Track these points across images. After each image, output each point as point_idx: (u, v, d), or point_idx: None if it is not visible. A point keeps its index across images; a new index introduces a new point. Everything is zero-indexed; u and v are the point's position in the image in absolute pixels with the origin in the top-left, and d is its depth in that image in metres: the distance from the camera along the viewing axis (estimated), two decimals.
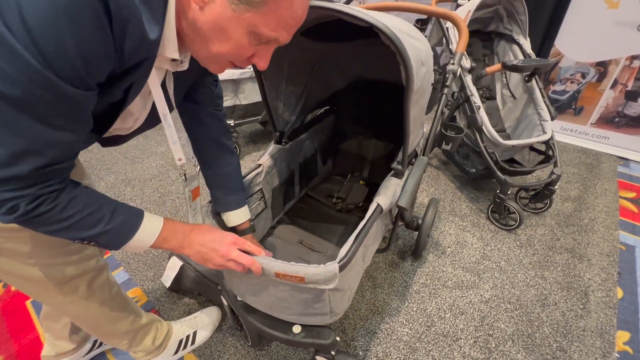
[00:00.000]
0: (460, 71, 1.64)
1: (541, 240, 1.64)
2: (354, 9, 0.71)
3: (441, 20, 1.79)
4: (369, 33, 0.83)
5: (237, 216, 0.89)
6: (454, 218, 1.76)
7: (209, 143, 0.83)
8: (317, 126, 1.38)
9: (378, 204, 0.87)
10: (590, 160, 2.33)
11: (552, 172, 1.63)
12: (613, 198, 1.95)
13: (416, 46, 0.79)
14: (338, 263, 0.71)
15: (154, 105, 0.63)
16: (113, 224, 0.57)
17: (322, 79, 1.30)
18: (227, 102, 2.08)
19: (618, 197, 1.96)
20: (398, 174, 0.98)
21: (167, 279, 1.30)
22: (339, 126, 1.50)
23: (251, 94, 2.10)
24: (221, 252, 0.69)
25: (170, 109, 0.65)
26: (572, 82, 2.41)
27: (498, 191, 1.63)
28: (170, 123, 0.66)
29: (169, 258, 1.33)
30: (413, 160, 1.11)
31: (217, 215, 0.90)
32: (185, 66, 0.59)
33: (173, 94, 0.66)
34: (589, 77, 2.34)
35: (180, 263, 1.32)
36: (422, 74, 0.81)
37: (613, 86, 2.30)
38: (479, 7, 1.71)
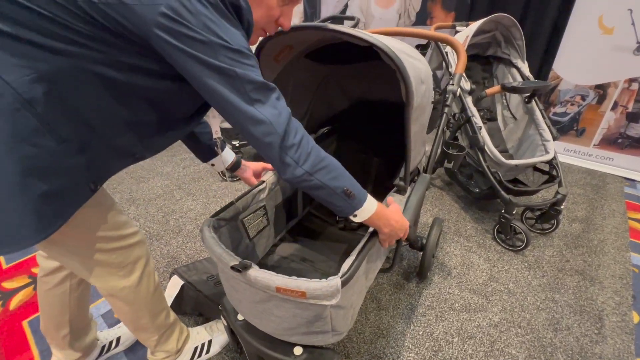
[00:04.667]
0: (461, 92, 1.68)
1: (550, 261, 1.60)
2: (356, 30, 0.74)
3: (440, 45, 1.86)
4: (371, 55, 0.86)
5: (229, 153, 1.03)
6: (459, 239, 1.74)
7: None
8: (320, 145, 1.40)
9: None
10: (595, 181, 2.31)
11: (557, 192, 1.62)
12: (622, 219, 1.92)
13: (416, 65, 0.81)
14: (340, 278, 0.70)
15: None
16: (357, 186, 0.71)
17: (325, 100, 1.34)
18: None
19: (627, 218, 1.92)
20: (400, 191, 0.98)
21: (168, 298, 1.27)
22: (341, 145, 1.52)
23: None
24: (404, 227, 0.85)
25: None
26: (572, 104, 2.45)
27: (503, 211, 1.61)
28: None
29: (170, 277, 1.32)
30: (416, 177, 1.12)
31: (216, 230, 0.90)
32: None
33: None
34: (589, 99, 2.38)
35: (182, 282, 1.30)
36: (421, 92, 0.83)
37: (613, 108, 2.32)
38: (477, 33, 1.78)
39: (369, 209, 0.73)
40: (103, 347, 1.12)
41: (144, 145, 0.69)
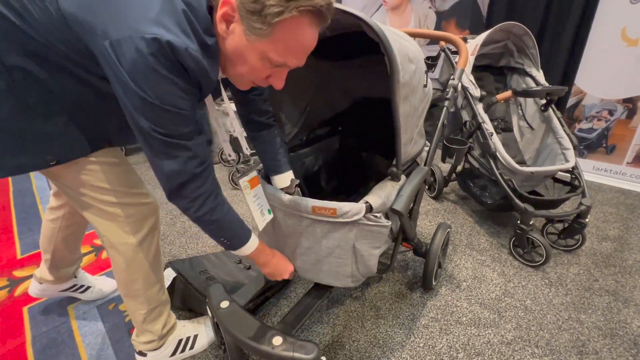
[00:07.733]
0: (471, 99, 1.64)
1: (575, 280, 1.43)
2: (341, 5, 0.75)
3: (451, 56, 1.85)
4: (369, 50, 0.87)
5: (286, 178, 1.03)
6: (472, 252, 1.61)
7: (255, 122, 1.00)
8: (321, 143, 1.39)
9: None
10: (631, 201, 2.11)
11: (581, 203, 1.48)
12: None
13: (403, 43, 0.81)
14: (365, 204, 0.83)
15: None
16: (241, 230, 0.82)
17: (326, 99, 1.35)
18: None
19: None
20: (393, 178, 0.94)
21: None
22: (343, 145, 1.51)
23: None
24: (283, 277, 0.99)
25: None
26: (599, 120, 2.31)
27: (519, 222, 1.49)
28: (220, 123, 0.86)
29: (165, 268, 1.31)
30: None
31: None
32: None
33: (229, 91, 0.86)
34: (617, 114, 2.23)
35: (174, 275, 1.29)
36: (410, 70, 0.82)
37: None
38: (487, 43, 1.77)
39: (245, 251, 0.86)
40: (75, 285, 1.27)
41: (114, 129, 0.78)
